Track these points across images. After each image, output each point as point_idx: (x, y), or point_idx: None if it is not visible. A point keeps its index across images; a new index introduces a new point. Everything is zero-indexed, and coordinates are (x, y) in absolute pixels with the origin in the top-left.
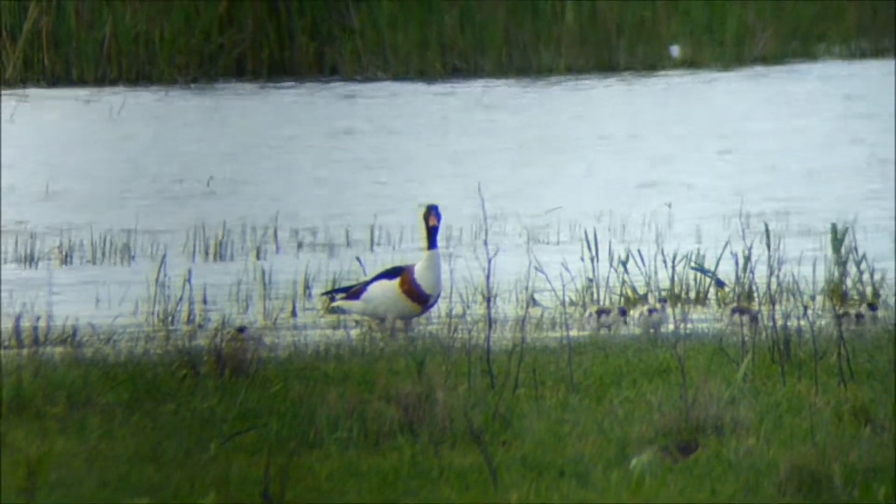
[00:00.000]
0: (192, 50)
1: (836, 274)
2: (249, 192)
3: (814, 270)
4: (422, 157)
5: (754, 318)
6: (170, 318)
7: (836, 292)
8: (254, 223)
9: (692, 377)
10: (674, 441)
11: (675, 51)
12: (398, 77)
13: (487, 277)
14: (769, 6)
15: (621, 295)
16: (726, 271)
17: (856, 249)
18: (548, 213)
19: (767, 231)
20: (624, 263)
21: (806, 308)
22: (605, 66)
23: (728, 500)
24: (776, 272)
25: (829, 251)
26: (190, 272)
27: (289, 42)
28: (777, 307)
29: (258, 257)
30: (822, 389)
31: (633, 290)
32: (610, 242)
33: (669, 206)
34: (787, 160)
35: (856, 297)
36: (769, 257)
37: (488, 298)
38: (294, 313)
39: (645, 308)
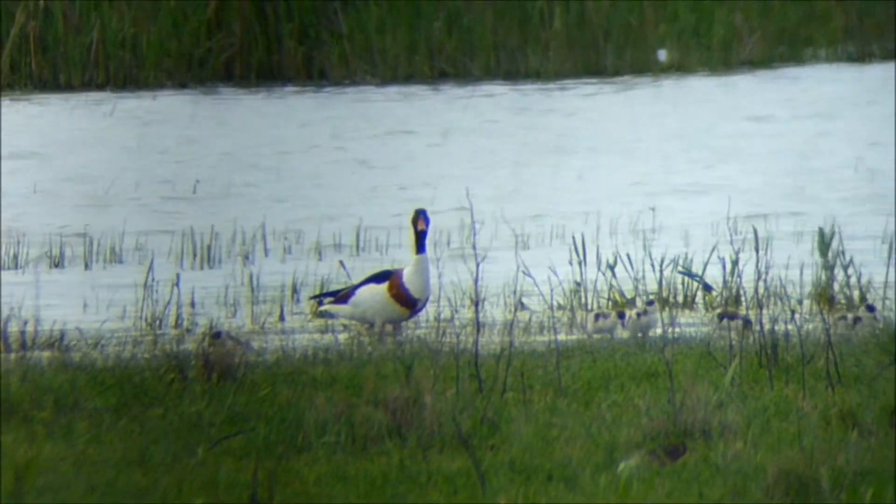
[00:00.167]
0: (180, 54)
1: (824, 278)
2: (238, 195)
3: (801, 274)
4: (424, 158)
5: (747, 323)
6: (158, 323)
7: (824, 296)
8: (243, 227)
9: (680, 381)
10: (662, 445)
11: (662, 55)
12: (386, 81)
13: (476, 281)
14: (756, 10)
15: (609, 299)
16: (713, 275)
17: (843, 253)
18: (535, 218)
19: (756, 235)
20: (612, 267)
21: (793, 312)
22: (593, 70)
23: None
24: (763, 276)
25: (817, 255)
26: (178, 276)
27: (277, 46)
28: (764, 311)
29: (246, 261)
30: (809, 393)
31: (621, 293)
32: (598, 246)
33: (653, 209)
34: (777, 163)
35: (843, 301)
36: (757, 261)
37: (476, 302)
38: (282, 317)
39: (633, 312)
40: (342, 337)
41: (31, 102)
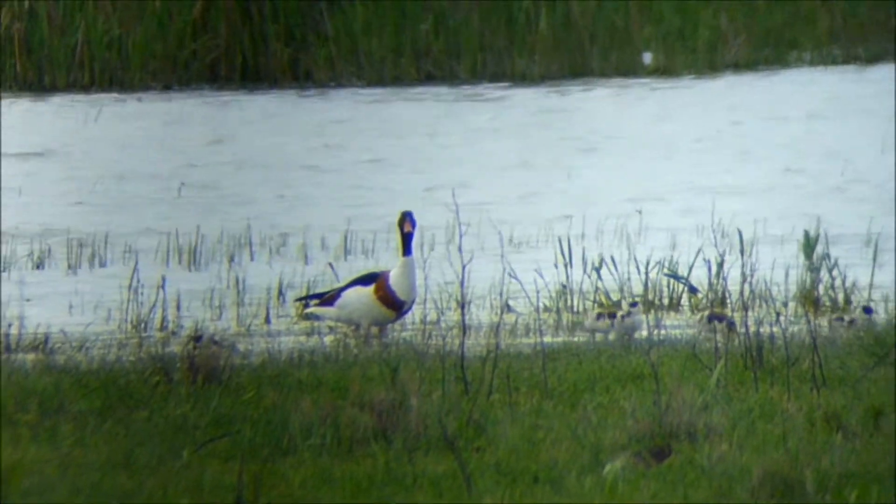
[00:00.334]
0: (166, 55)
1: (808, 280)
2: (223, 197)
3: (786, 277)
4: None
5: (731, 325)
6: (143, 325)
7: (809, 298)
8: (229, 229)
9: (665, 383)
10: (647, 447)
11: (647, 57)
12: (372, 83)
13: (462, 284)
14: (741, 13)
15: (595, 301)
16: (699, 277)
17: (828, 256)
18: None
19: (741, 238)
20: (597, 269)
21: (778, 314)
22: (579, 72)
23: None
24: (749, 279)
25: (802, 257)
26: (163, 278)
27: (262, 48)
28: (750, 313)
29: (231, 263)
30: (794, 395)
31: (607, 295)
32: (584, 249)
33: (640, 212)
34: (763, 165)
35: (828, 304)
36: (742, 264)
37: (462, 305)
38: (268, 320)
39: (620, 313)
40: (328, 339)
41: (33, 101)
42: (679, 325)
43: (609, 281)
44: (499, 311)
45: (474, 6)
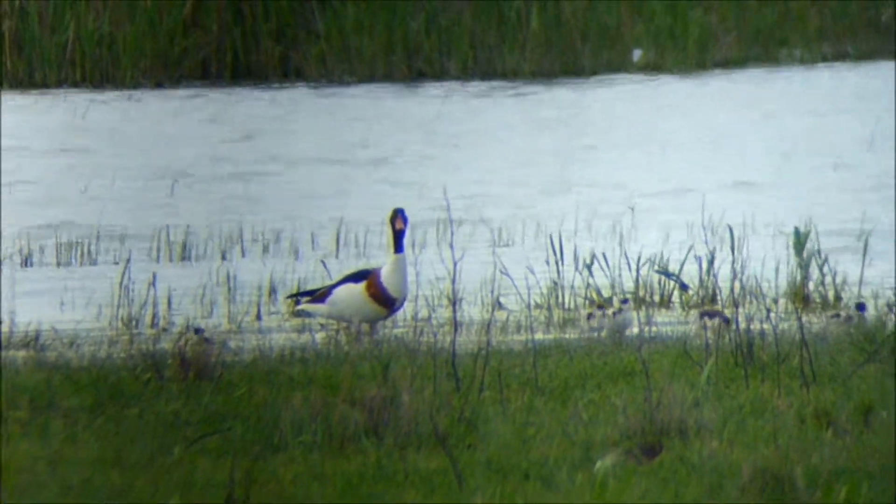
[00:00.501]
0: (156, 52)
1: (799, 277)
2: (216, 194)
3: (776, 273)
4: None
5: (726, 321)
6: (134, 322)
7: (799, 295)
8: (220, 226)
9: (656, 380)
10: (638, 444)
11: (636, 54)
12: (363, 80)
13: (453, 281)
14: (732, 11)
15: (586, 298)
16: (690, 274)
17: (818, 252)
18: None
19: (732, 235)
20: (588, 266)
21: (769, 311)
22: (570, 69)
23: (692, 503)
24: (739, 275)
25: (792, 254)
26: (154, 275)
27: (254, 45)
28: (740, 310)
29: (223, 260)
30: (784, 392)
31: (598, 292)
32: (575, 246)
33: (632, 209)
34: (754, 163)
35: (818, 300)
36: (732, 260)
37: (454, 302)
38: (259, 317)
39: (610, 310)
40: (319, 336)
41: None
42: (670, 322)
43: (600, 278)
44: (490, 308)
45: (466, 4)
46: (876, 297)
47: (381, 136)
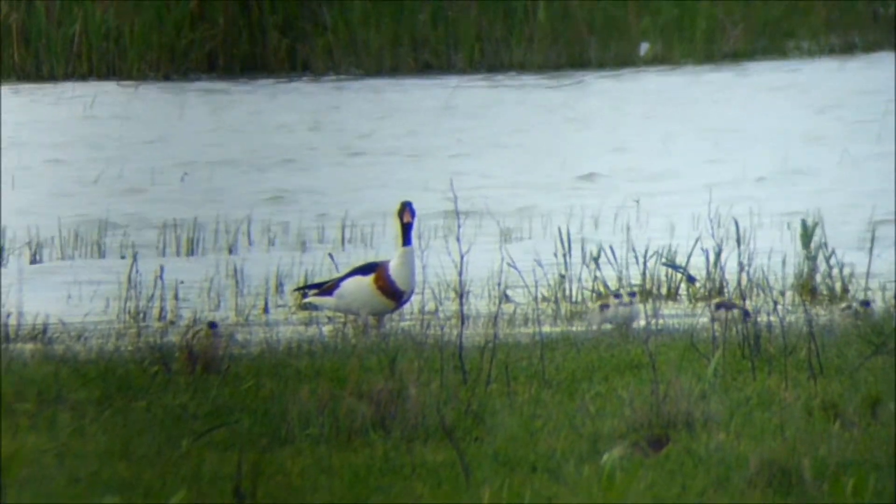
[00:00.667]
0: (163, 46)
1: (806, 269)
2: (226, 188)
3: (783, 266)
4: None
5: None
6: (141, 315)
7: (806, 287)
8: (227, 219)
9: (663, 372)
10: (645, 436)
11: (644, 47)
12: (370, 73)
13: (460, 274)
14: (738, 4)
15: (593, 290)
16: (697, 266)
17: (825, 245)
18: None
19: (738, 227)
20: (596, 259)
21: (776, 303)
22: (577, 62)
23: (698, 495)
24: (746, 268)
25: (799, 246)
26: (162, 268)
27: (261, 38)
28: (747, 302)
29: (230, 253)
30: (791, 384)
31: (605, 285)
32: (582, 239)
33: (637, 201)
34: (761, 156)
35: (825, 293)
36: (739, 253)
37: (461, 295)
38: (266, 310)
39: (614, 303)
40: (326, 329)
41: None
42: (677, 315)
43: (608, 270)
44: (497, 301)
45: None
46: (883, 289)
47: (388, 128)
